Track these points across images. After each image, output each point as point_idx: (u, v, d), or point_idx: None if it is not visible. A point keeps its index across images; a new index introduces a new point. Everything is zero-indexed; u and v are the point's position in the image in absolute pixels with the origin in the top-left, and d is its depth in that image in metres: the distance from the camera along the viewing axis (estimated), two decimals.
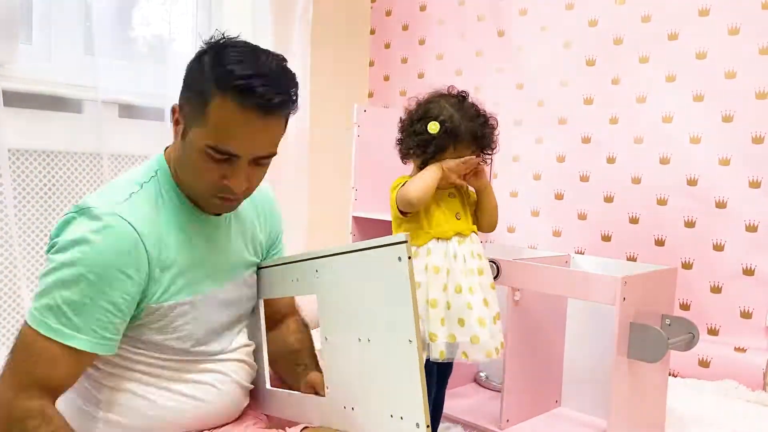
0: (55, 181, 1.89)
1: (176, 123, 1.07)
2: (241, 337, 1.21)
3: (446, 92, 1.47)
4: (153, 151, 2.07)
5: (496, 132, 1.47)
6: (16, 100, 1.79)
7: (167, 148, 1.14)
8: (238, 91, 0.96)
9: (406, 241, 0.92)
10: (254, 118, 0.98)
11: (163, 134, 2.09)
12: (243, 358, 1.19)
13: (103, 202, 1.01)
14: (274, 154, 1.05)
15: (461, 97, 1.46)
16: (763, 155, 2.08)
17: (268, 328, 1.29)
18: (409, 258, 0.92)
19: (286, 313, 1.35)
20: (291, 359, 1.29)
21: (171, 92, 2.11)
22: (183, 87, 1.06)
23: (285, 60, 1.06)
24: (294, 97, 1.03)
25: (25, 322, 0.98)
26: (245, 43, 1.04)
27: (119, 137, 2.03)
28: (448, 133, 1.39)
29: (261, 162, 1.05)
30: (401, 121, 1.49)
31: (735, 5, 2.12)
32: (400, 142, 1.48)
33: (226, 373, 1.15)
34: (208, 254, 1.12)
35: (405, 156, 1.48)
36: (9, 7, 1.70)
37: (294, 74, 1.04)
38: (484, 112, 1.46)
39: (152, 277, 1.02)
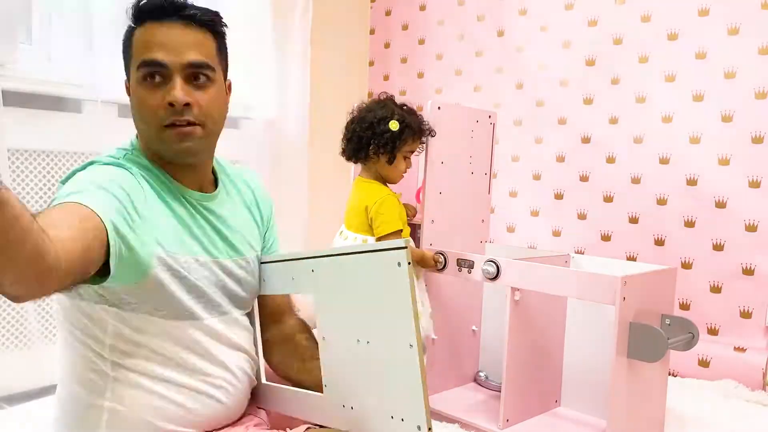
0: (54, 181, 1.89)
1: (128, 93, 1.11)
2: (244, 320, 1.19)
3: (381, 98, 1.83)
4: None
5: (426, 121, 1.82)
6: (16, 100, 1.78)
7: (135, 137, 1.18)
8: (152, 11, 1.04)
9: (405, 247, 0.93)
10: (172, 25, 1.04)
11: None
12: (247, 349, 1.18)
13: (101, 158, 1.06)
14: (204, 64, 1.05)
15: (393, 99, 1.82)
16: (762, 155, 2.08)
17: (268, 326, 1.29)
18: (409, 263, 0.93)
19: (284, 310, 1.35)
20: (298, 355, 1.28)
21: None
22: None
23: None
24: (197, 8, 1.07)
25: None
26: None
27: (119, 137, 2.01)
28: (406, 128, 1.73)
29: (199, 76, 1.05)
30: (350, 128, 1.79)
31: (735, 5, 2.12)
32: (356, 147, 1.78)
33: (232, 367, 1.14)
34: (197, 226, 1.11)
35: (364, 158, 1.79)
36: (9, 7, 1.70)
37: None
38: (413, 107, 1.84)
39: (150, 219, 1.01)
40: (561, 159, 2.51)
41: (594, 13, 2.42)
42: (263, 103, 2.45)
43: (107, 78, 1.96)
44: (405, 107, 1.82)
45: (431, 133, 1.82)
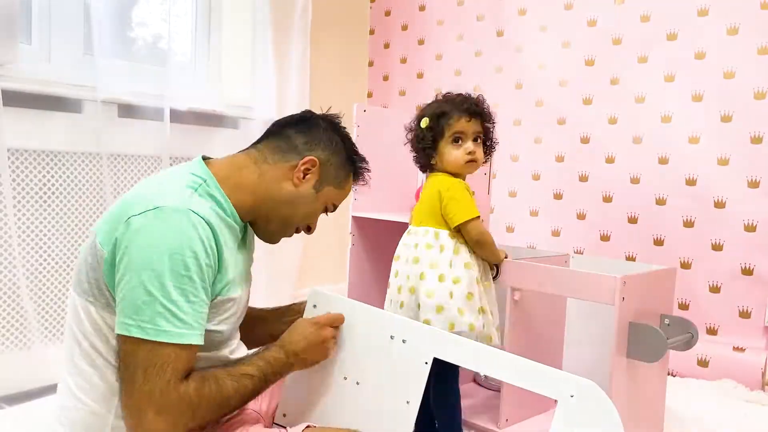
0: (54, 180, 1.89)
1: (306, 171, 1.22)
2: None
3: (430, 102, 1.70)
4: (152, 151, 2.10)
5: (485, 104, 1.63)
6: (16, 100, 1.78)
7: (207, 158, 1.20)
8: (358, 175, 1.33)
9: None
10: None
11: (162, 134, 2.10)
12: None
13: (172, 200, 1.04)
14: None
15: (437, 96, 1.69)
16: (761, 155, 2.09)
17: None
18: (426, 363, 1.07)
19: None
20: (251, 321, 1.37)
21: (170, 92, 2.11)
22: (328, 148, 1.26)
23: None
24: None
25: (125, 337, 0.99)
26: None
27: (118, 137, 2.03)
28: (438, 117, 1.59)
29: None
30: (408, 143, 1.67)
31: (734, 5, 2.12)
32: (417, 157, 1.66)
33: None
34: (244, 257, 1.22)
35: (428, 163, 1.63)
36: (8, 7, 1.70)
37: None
38: (466, 93, 1.65)
39: (220, 270, 1.08)
40: (560, 159, 2.51)
41: (593, 13, 2.42)
42: (263, 103, 2.45)
43: (107, 78, 1.97)
44: (450, 94, 1.67)
45: (476, 109, 1.61)
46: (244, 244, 1.22)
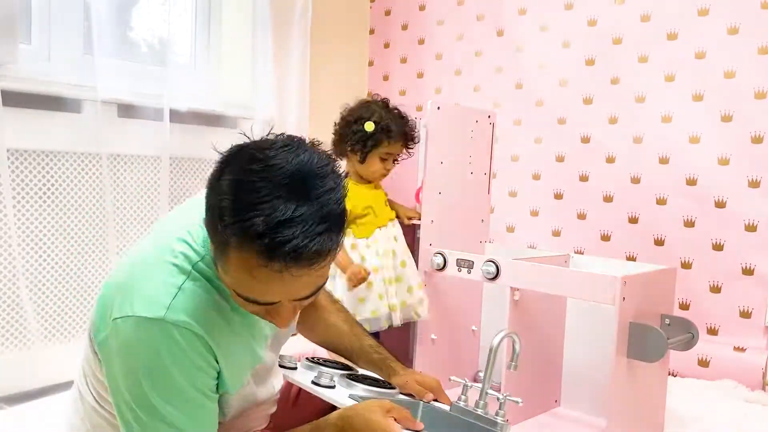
0: (54, 181, 1.89)
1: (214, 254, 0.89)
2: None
3: (372, 99, 1.92)
4: (152, 152, 2.10)
5: (416, 129, 1.89)
6: (15, 100, 1.78)
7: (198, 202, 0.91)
8: (261, 251, 0.78)
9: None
10: (286, 273, 0.80)
11: (162, 134, 2.09)
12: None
13: (149, 302, 0.88)
14: (322, 286, 0.90)
15: (385, 102, 1.88)
16: (762, 155, 2.09)
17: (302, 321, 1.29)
18: None
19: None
20: (346, 339, 1.30)
21: (170, 92, 2.11)
22: (206, 204, 0.87)
23: (329, 162, 0.86)
24: (338, 229, 0.83)
25: None
26: (268, 157, 0.82)
27: (118, 137, 2.02)
28: (383, 130, 1.79)
29: (304, 300, 0.90)
30: (336, 125, 1.90)
31: (734, 5, 2.12)
32: (337, 143, 1.88)
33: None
34: (248, 335, 1.02)
35: (343, 154, 1.88)
36: (8, 7, 1.70)
37: (339, 181, 0.85)
38: (405, 113, 1.87)
39: (220, 371, 0.96)
40: (560, 159, 2.51)
41: (593, 12, 2.42)
42: (263, 103, 2.45)
43: (106, 78, 1.96)
44: (395, 110, 1.86)
45: (412, 139, 1.87)
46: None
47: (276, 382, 1.17)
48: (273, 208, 0.78)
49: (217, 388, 0.97)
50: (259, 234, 0.77)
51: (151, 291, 0.89)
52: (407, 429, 1.03)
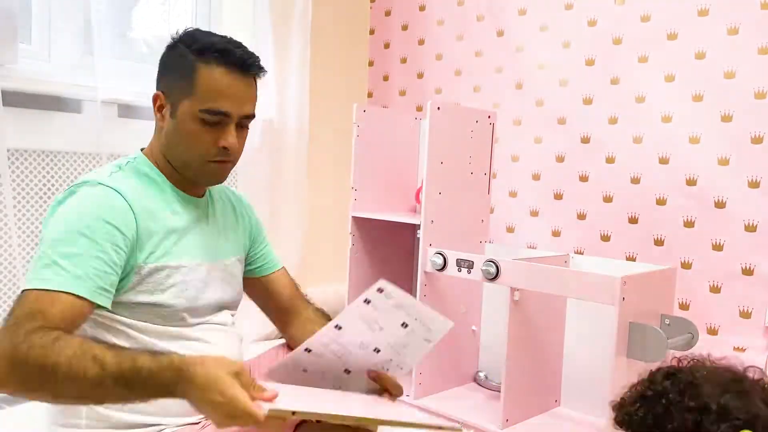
0: (54, 181, 1.89)
1: (160, 108, 1.16)
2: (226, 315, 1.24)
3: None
4: None
5: None
6: (16, 100, 1.78)
7: (143, 149, 1.22)
8: (221, 55, 1.10)
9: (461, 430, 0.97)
10: (238, 77, 1.11)
11: None
12: (227, 322, 1.21)
13: (86, 178, 1.09)
14: (253, 115, 1.18)
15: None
16: (762, 155, 2.09)
17: (286, 323, 1.33)
18: None
19: (297, 303, 1.36)
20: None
21: None
22: (162, 74, 1.17)
23: None
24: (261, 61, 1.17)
25: (23, 291, 0.98)
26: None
27: (119, 137, 2.03)
28: None
29: (244, 123, 1.17)
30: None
31: (734, 5, 2.12)
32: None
33: (215, 342, 1.15)
34: (193, 229, 1.17)
35: None
36: (8, 7, 1.70)
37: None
38: None
39: (139, 238, 1.07)
40: (560, 159, 2.51)
41: (593, 12, 2.42)
42: (263, 103, 2.43)
43: (107, 78, 1.97)
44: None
45: None
46: (206, 218, 1.21)
47: (221, 342, 1.16)
48: (223, 39, 1.14)
49: (132, 254, 1.06)
50: (219, 50, 1.09)
51: (91, 175, 1.11)
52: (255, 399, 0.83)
